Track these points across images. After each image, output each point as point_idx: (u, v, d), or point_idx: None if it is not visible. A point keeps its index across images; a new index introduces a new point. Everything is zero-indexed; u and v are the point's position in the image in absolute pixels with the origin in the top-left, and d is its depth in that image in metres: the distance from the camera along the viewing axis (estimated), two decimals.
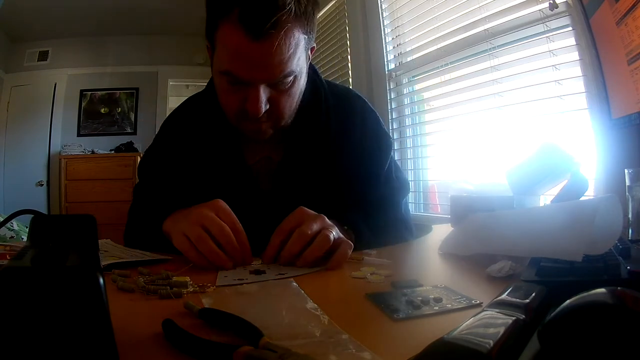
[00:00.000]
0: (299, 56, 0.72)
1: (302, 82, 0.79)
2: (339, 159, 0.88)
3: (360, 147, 0.89)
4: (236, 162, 0.86)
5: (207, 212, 0.64)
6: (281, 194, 0.86)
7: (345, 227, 0.76)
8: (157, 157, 0.93)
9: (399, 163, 1.96)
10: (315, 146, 0.87)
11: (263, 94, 0.71)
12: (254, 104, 0.71)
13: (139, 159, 4.01)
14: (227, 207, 0.66)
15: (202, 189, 0.81)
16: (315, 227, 0.64)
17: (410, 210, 1.88)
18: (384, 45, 2.02)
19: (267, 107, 0.73)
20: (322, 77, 0.93)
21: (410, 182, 1.93)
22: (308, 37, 0.73)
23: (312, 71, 0.89)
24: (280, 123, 0.79)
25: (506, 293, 0.38)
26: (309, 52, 0.79)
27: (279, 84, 0.73)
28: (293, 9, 0.66)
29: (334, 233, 0.65)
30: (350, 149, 0.89)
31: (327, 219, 0.68)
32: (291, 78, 0.73)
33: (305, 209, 0.68)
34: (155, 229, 0.75)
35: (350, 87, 2.27)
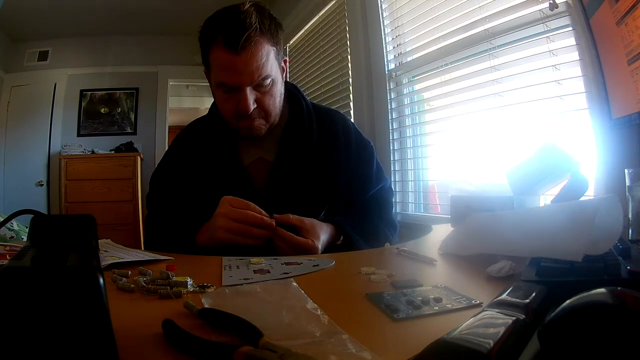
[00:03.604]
0: (272, 64, 0.91)
1: (280, 86, 0.97)
2: (324, 160, 1.01)
3: (346, 153, 1.04)
4: (233, 163, 0.99)
5: (225, 210, 0.83)
6: (275, 193, 0.97)
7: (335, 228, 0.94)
8: (166, 168, 1.07)
9: (399, 163, 1.98)
10: (303, 149, 1.00)
11: (250, 95, 0.89)
12: (243, 103, 0.89)
13: (139, 159, 4.01)
14: (233, 197, 0.84)
15: (205, 193, 0.96)
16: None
17: (410, 210, 1.91)
18: (384, 45, 2.02)
19: (255, 106, 0.91)
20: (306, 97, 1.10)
21: (410, 182, 1.95)
22: (277, 49, 0.92)
23: (295, 88, 1.09)
24: (269, 119, 0.96)
25: (506, 293, 0.38)
26: (282, 63, 0.98)
27: (260, 86, 0.90)
28: (258, 27, 0.86)
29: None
30: (336, 154, 1.03)
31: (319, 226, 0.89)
32: (269, 81, 0.91)
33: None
34: (188, 243, 0.89)
35: (350, 87, 2.27)
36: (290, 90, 1.08)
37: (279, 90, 0.96)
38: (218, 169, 0.99)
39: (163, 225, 1.00)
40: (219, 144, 1.01)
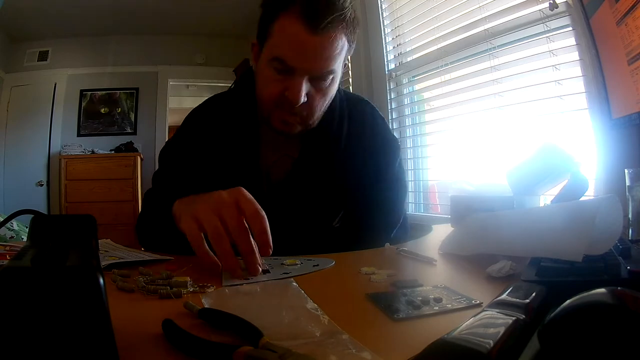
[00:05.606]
0: (341, 59, 0.79)
1: (336, 88, 0.84)
2: (349, 160, 0.92)
3: (369, 150, 0.93)
4: (251, 163, 0.89)
5: (227, 199, 0.58)
6: (291, 191, 0.89)
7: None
8: (177, 148, 0.93)
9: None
10: (329, 147, 0.91)
11: (305, 85, 0.76)
12: (295, 91, 0.75)
13: (139, 159, 4.01)
14: (249, 195, 0.60)
15: (213, 182, 0.74)
16: None
17: (410, 210, 1.90)
18: (384, 45, 2.02)
19: (305, 100, 0.77)
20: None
21: (410, 182, 1.95)
22: (349, 46, 0.80)
23: None
24: (309, 121, 0.83)
25: (506, 293, 0.38)
26: (346, 63, 0.84)
27: (319, 80, 0.78)
28: (347, 15, 0.74)
29: None
30: (360, 152, 0.93)
31: None
32: (331, 77, 0.79)
33: None
34: (165, 213, 0.70)
35: (350, 87, 2.27)
36: None
37: (334, 90, 0.84)
38: (235, 162, 0.88)
39: (156, 200, 0.86)
40: (240, 134, 0.89)
